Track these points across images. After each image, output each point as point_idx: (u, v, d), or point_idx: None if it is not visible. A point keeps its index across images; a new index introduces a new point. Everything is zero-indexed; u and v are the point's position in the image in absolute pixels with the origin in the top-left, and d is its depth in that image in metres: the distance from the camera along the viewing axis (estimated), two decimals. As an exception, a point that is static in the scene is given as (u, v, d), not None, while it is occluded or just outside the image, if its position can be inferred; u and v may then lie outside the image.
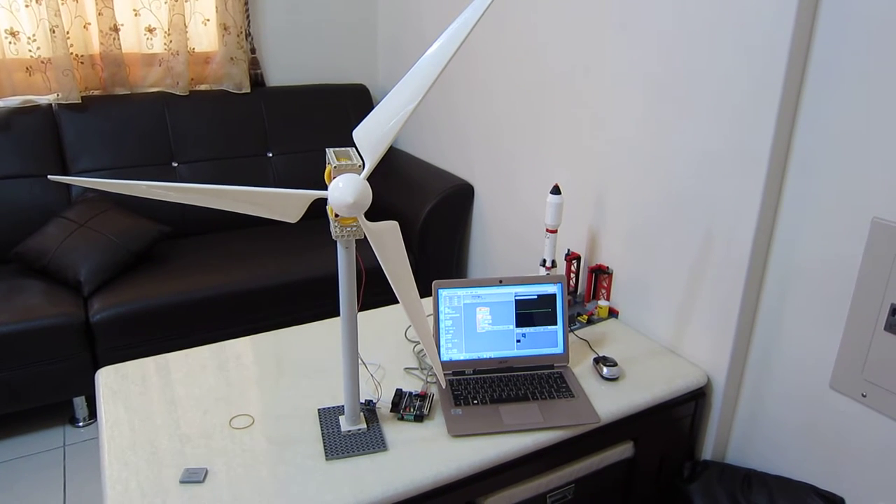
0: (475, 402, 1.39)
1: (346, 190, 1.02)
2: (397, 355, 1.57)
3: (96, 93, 2.40)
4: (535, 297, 1.52)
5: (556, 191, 1.69)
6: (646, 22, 1.57)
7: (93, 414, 2.10)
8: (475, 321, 1.50)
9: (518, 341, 1.52)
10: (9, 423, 2.07)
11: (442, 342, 1.48)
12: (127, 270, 2.12)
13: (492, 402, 1.39)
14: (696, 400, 1.55)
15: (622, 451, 1.48)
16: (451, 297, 1.49)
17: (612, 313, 1.81)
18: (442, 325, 1.48)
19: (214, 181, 2.49)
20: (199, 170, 2.48)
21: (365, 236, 1.11)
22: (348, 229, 1.11)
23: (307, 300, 2.22)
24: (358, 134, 1.06)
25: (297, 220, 1.06)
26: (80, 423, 2.08)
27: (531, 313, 1.52)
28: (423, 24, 2.59)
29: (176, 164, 2.46)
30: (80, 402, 2.06)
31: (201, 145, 2.49)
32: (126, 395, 1.38)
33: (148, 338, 2.02)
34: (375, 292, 2.25)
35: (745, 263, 1.43)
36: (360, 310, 1.76)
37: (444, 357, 1.48)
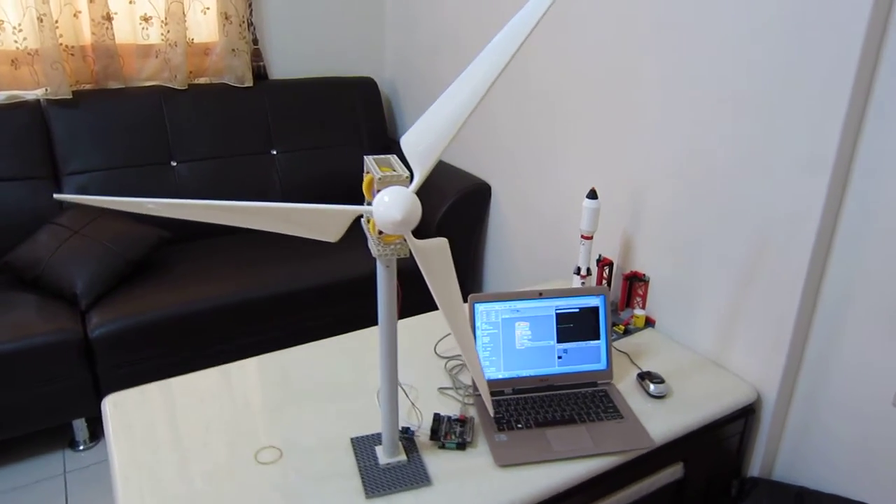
0: (519, 426, 1.29)
1: (393, 205, 0.90)
2: (428, 374, 1.46)
3: (88, 87, 2.25)
4: (577, 310, 1.42)
5: (592, 195, 1.59)
6: (696, 19, 1.46)
7: (94, 436, 1.97)
8: (514, 337, 1.39)
9: (559, 358, 1.41)
10: (2, 450, 1.93)
11: (481, 361, 1.37)
12: (126, 280, 1.98)
13: (537, 425, 1.29)
14: (745, 417, 1.46)
15: (672, 472, 1.39)
16: (488, 311, 1.38)
17: (649, 322, 1.71)
18: (479, 343, 1.38)
19: (215, 181, 2.36)
20: (198, 169, 2.34)
21: (409, 254, 1.00)
22: (391, 247, 1.00)
23: (319, 308, 2.11)
24: (407, 141, 0.94)
25: (338, 239, 0.94)
26: (81, 447, 1.95)
27: (573, 328, 1.42)
28: (435, 14, 2.46)
29: (175, 164, 2.32)
30: (79, 424, 1.93)
31: (201, 143, 2.35)
32: (137, 427, 1.26)
33: (152, 353, 1.89)
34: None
35: (803, 272, 1.34)
36: (371, 324, 1.65)
37: (481, 376, 1.37)
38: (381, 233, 0.98)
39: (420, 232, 2.33)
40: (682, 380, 1.47)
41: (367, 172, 1.03)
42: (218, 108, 2.38)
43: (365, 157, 1.03)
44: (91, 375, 1.85)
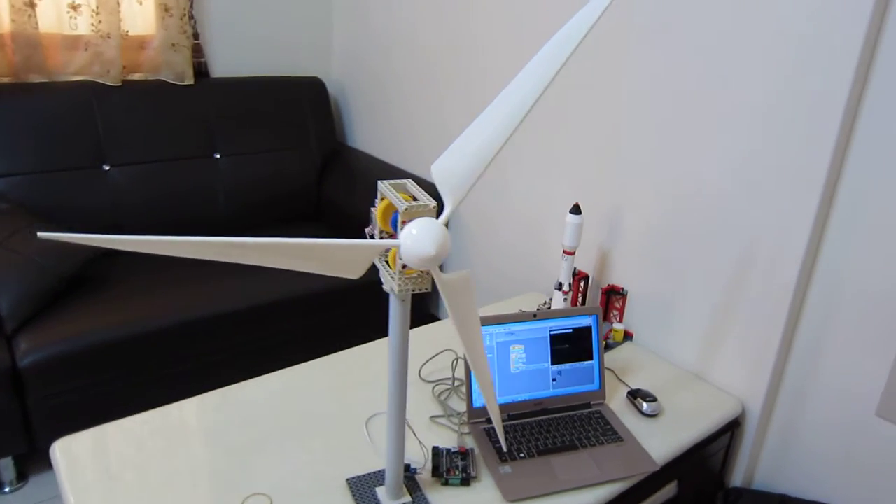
0: (521, 455, 1.23)
1: (424, 239, 0.82)
2: (416, 401, 1.38)
3: (6, 80, 1.99)
4: (570, 330, 1.38)
5: (576, 210, 1.55)
6: (686, 33, 1.44)
7: (22, 476, 1.75)
8: (509, 361, 1.34)
9: (554, 380, 1.37)
10: None
11: (474, 386, 1.31)
12: (58, 299, 1.78)
13: (539, 454, 1.24)
14: (731, 430, 1.48)
15: (667, 491, 1.38)
16: (483, 335, 1.32)
17: (627, 336, 1.70)
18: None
19: (153, 186, 2.16)
20: (134, 173, 2.14)
21: (432, 287, 0.92)
22: (412, 280, 0.92)
23: (277, 324, 1.97)
24: (438, 169, 0.86)
25: (361, 276, 0.85)
26: (7, 489, 1.72)
27: (567, 349, 1.38)
28: (389, 11, 2.35)
29: (108, 167, 2.10)
30: (6, 464, 1.71)
31: (137, 145, 2.14)
32: (98, 477, 1.11)
33: (90, 381, 1.70)
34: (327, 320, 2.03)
35: (790, 287, 1.36)
36: (336, 340, 1.55)
37: (477, 403, 1.31)
38: (403, 266, 0.89)
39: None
40: (670, 396, 1.47)
41: (383, 199, 0.94)
42: (155, 106, 2.18)
43: (379, 182, 0.94)
44: (20, 408, 1.64)
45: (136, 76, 2.20)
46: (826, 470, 1.42)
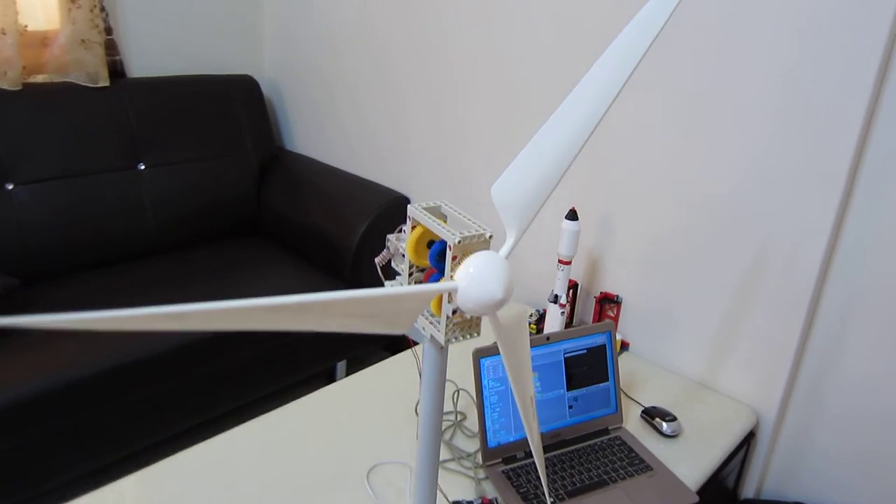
0: (550, 500, 1.10)
1: (488, 281, 0.65)
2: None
3: None
4: (585, 351, 1.26)
5: (572, 216, 1.43)
6: (680, 16, 1.35)
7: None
8: (524, 391, 1.20)
9: (570, 407, 1.25)
10: None
11: (488, 424, 1.16)
12: (-38, 350, 1.47)
13: (569, 495, 1.11)
14: (748, 442, 1.41)
15: (694, 517, 1.29)
16: (494, 366, 1.17)
17: (623, 346, 1.61)
18: (487, 402, 1.16)
19: (68, 206, 1.85)
20: (45, 192, 1.82)
21: (478, 334, 0.76)
22: (459, 325, 0.75)
23: (229, 356, 1.74)
24: (499, 191, 0.70)
25: (409, 329, 0.68)
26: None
27: (582, 372, 1.26)
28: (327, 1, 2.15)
29: (11, 186, 1.77)
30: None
31: (45, 159, 1.83)
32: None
33: (23, 443, 1.42)
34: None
35: (809, 289, 1.30)
36: (289, 378, 1.34)
37: (492, 442, 1.17)
38: (454, 311, 0.73)
39: (337, 257, 2.04)
40: (683, 410, 1.38)
41: (415, 226, 0.77)
42: (65, 113, 1.86)
43: (409, 206, 0.77)
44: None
45: (40, 78, 1.87)
46: (842, 470, 1.38)
